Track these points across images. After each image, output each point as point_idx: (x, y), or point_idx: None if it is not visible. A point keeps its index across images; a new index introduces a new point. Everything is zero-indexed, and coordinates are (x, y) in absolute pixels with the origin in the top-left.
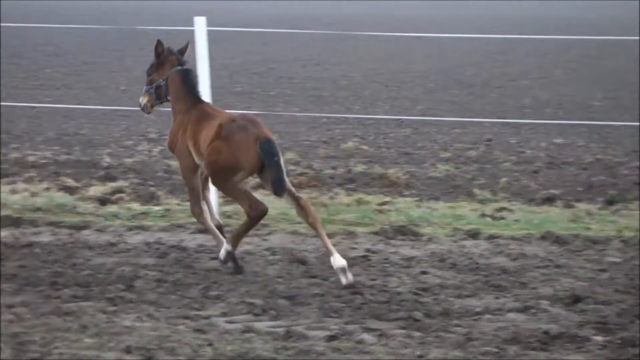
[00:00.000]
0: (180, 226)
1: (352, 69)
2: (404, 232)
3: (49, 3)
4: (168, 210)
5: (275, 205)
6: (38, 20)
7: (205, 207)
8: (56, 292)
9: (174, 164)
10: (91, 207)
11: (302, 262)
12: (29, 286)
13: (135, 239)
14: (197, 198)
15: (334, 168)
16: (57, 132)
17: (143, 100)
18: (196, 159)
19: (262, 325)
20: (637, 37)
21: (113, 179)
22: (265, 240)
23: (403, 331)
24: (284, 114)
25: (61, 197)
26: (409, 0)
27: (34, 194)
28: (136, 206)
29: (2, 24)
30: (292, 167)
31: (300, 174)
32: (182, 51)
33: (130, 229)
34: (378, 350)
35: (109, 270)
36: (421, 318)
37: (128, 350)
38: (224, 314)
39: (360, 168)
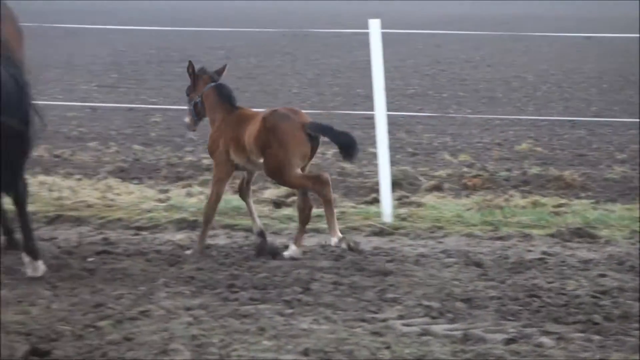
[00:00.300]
0: (355, 228)
1: (524, 70)
2: (581, 234)
3: (221, 4)
4: (343, 212)
5: (450, 208)
6: (209, 23)
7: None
8: (234, 295)
9: (348, 166)
10: (266, 210)
11: (478, 264)
12: (206, 289)
13: (311, 241)
14: (216, 204)
15: (508, 170)
16: None
17: (186, 119)
18: (238, 159)
19: (439, 328)
20: None
21: None
22: (440, 242)
23: (582, 334)
24: (456, 116)
25: (237, 200)
26: (575, 0)
27: None
28: None
29: (177, 28)
30: (465, 169)
31: (475, 176)
32: (220, 72)
33: (306, 231)
34: (557, 354)
35: (285, 272)
36: (600, 321)
37: (306, 353)
38: (400, 317)
39: (535, 170)
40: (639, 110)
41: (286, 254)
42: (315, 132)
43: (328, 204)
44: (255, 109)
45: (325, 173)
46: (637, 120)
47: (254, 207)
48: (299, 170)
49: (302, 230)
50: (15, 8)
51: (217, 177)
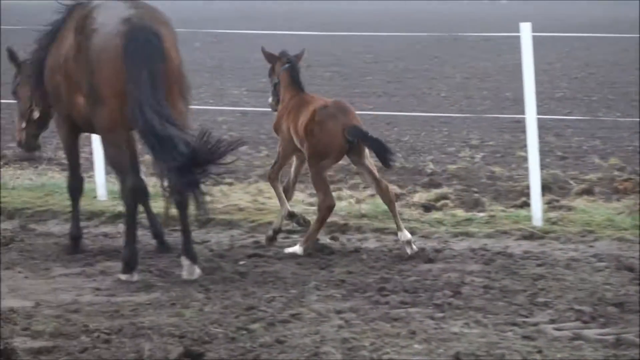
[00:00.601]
0: (505, 232)
1: None
2: None
3: (368, 7)
4: (493, 216)
5: (600, 212)
6: (356, 27)
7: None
8: (384, 298)
9: (498, 170)
10: (416, 214)
11: (630, 269)
12: (357, 292)
13: (461, 245)
14: (280, 169)
15: None
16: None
17: (269, 100)
18: (295, 141)
19: (591, 332)
20: None
21: (437, 185)
22: (591, 246)
23: None
24: (606, 119)
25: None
26: None
27: (359, 201)
28: (460, 212)
29: (324, 33)
30: (616, 173)
31: (626, 180)
32: (298, 56)
33: (455, 235)
34: None
35: (435, 276)
36: None
37: (457, 357)
38: (552, 321)
39: None
40: None
41: (402, 239)
42: (353, 137)
43: (319, 222)
44: (319, 96)
45: (334, 201)
46: None
47: (289, 194)
48: (326, 172)
49: (396, 215)
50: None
51: (283, 152)
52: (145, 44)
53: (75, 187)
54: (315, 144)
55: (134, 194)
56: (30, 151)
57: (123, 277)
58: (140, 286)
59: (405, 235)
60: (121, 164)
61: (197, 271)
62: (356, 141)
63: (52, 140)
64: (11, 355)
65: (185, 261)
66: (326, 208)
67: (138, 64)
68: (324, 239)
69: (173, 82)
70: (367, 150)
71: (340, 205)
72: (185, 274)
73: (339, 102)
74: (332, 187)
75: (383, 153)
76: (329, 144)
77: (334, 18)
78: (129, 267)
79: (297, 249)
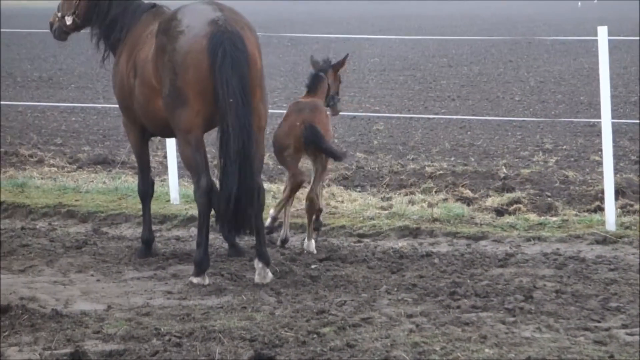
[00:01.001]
0: (577, 237)
1: None
2: None
3: (442, 10)
4: (565, 221)
5: None
6: (430, 31)
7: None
8: (455, 302)
9: (571, 174)
10: (488, 218)
11: None
12: (428, 296)
13: (533, 249)
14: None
15: None
16: (453, 143)
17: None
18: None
19: None
20: None
21: (510, 189)
22: None
23: None
24: None
25: (458, 207)
26: None
27: (431, 205)
28: (533, 217)
29: (398, 37)
30: None
31: None
32: (339, 62)
33: (528, 239)
34: None
35: (507, 280)
36: None
37: None
38: (624, 326)
39: None
40: None
41: (307, 249)
42: (306, 134)
43: (287, 196)
44: (311, 99)
45: (301, 179)
46: None
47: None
48: (293, 161)
49: (309, 224)
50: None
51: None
52: (233, 48)
53: (146, 190)
54: (278, 132)
55: (208, 195)
56: (56, 38)
57: (195, 280)
58: (211, 290)
59: (310, 245)
60: (198, 163)
61: (270, 275)
62: (310, 139)
63: (125, 144)
64: (83, 358)
65: (258, 264)
66: (294, 186)
67: (227, 70)
68: (395, 243)
69: (257, 86)
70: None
71: (412, 209)
72: (257, 278)
73: (314, 102)
74: (404, 190)
75: (331, 156)
76: (287, 134)
77: (409, 22)
78: (200, 270)
79: (270, 215)
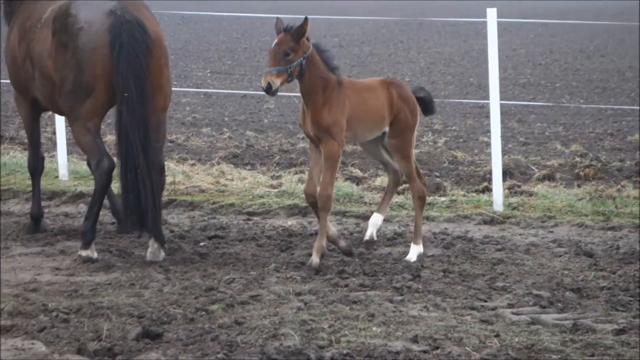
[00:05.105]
0: (465, 217)
1: (638, 61)
2: None
3: None
4: (454, 201)
5: (561, 197)
6: (322, 11)
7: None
8: (344, 281)
9: (460, 155)
10: (377, 197)
11: (589, 254)
12: (317, 274)
13: (422, 229)
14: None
15: (621, 160)
16: None
17: None
18: None
19: (549, 317)
20: None
21: None
22: (551, 232)
23: None
24: (569, 106)
25: (348, 187)
26: None
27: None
28: None
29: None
30: (578, 159)
31: (587, 166)
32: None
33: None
34: None
35: (395, 260)
36: None
37: (415, 340)
38: (510, 306)
39: None
40: None
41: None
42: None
43: None
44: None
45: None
46: None
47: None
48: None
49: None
50: None
51: None
52: (130, 40)
53: (36, 166)
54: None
55: (109, 174)
56: None
57: (83, 253)
58: (99, 266)
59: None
60: (99, 147)
61: (162, 255)
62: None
63: (14, 120)
64: None
65: (153, 244)
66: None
67: (122, 64)
68: (285, 222)
69: (163, 65)
70: None
71: (301, 188)
72: (149, 256)
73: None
74: (294, 169)
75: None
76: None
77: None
78: (86, 241)
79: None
